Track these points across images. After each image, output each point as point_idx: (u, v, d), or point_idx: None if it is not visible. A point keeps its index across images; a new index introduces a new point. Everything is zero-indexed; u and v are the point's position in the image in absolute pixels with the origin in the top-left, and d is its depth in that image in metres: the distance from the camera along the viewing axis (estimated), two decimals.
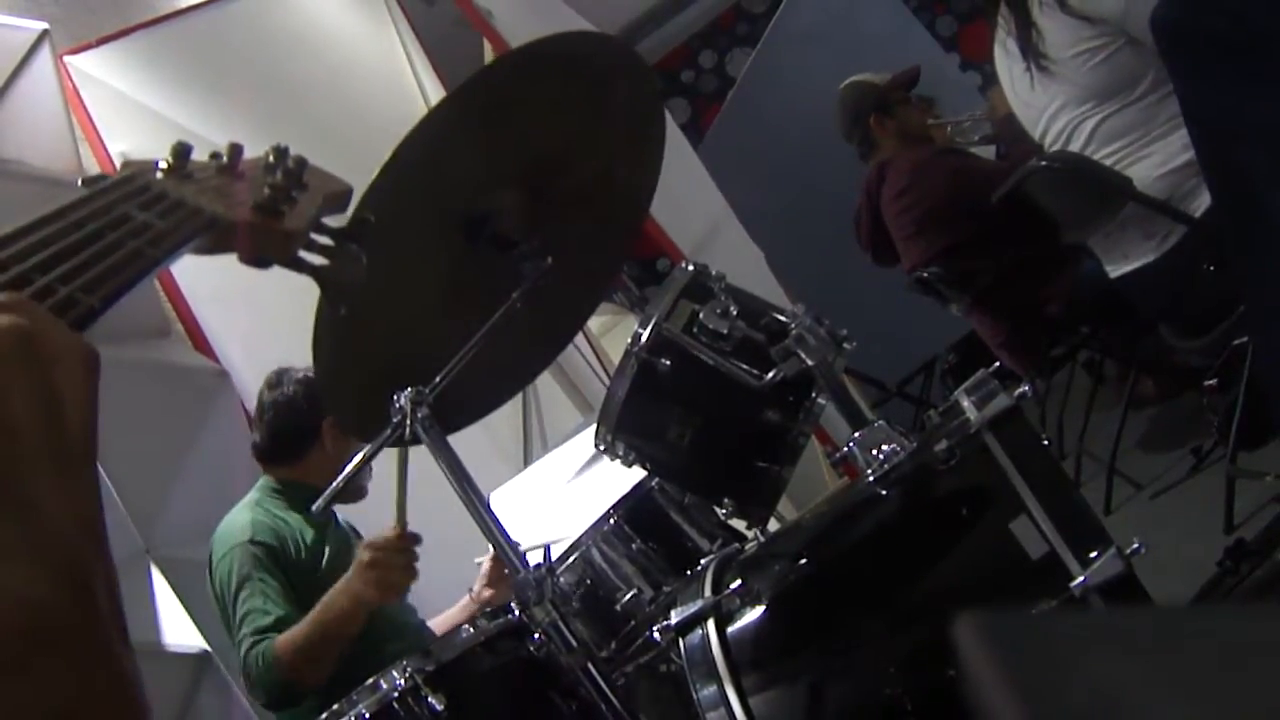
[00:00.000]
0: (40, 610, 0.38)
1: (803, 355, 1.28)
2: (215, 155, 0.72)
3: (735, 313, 1.34)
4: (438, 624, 2.20)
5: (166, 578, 2.42)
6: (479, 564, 2.11)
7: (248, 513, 2.12)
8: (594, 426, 1.44)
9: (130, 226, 0.55)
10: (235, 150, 0.72)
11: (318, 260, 0.75)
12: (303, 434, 2.21)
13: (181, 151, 0.65)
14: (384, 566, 1.74)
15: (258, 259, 0.70)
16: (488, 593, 2.08)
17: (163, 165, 0.64)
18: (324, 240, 0.76)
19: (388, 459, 1.42)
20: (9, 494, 0.39)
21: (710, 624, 1.14)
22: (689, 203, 3.68)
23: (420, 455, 1.37)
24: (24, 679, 0.37)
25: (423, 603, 2.42)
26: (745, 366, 1.31)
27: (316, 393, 2.17)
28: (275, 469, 2.24)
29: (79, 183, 0.57)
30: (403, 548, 1.72)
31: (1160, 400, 3.38)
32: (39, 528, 0.39)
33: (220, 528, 2.11)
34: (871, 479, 1.15)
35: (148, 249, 0.55)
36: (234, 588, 2.00)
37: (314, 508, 1.54)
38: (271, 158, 0.76)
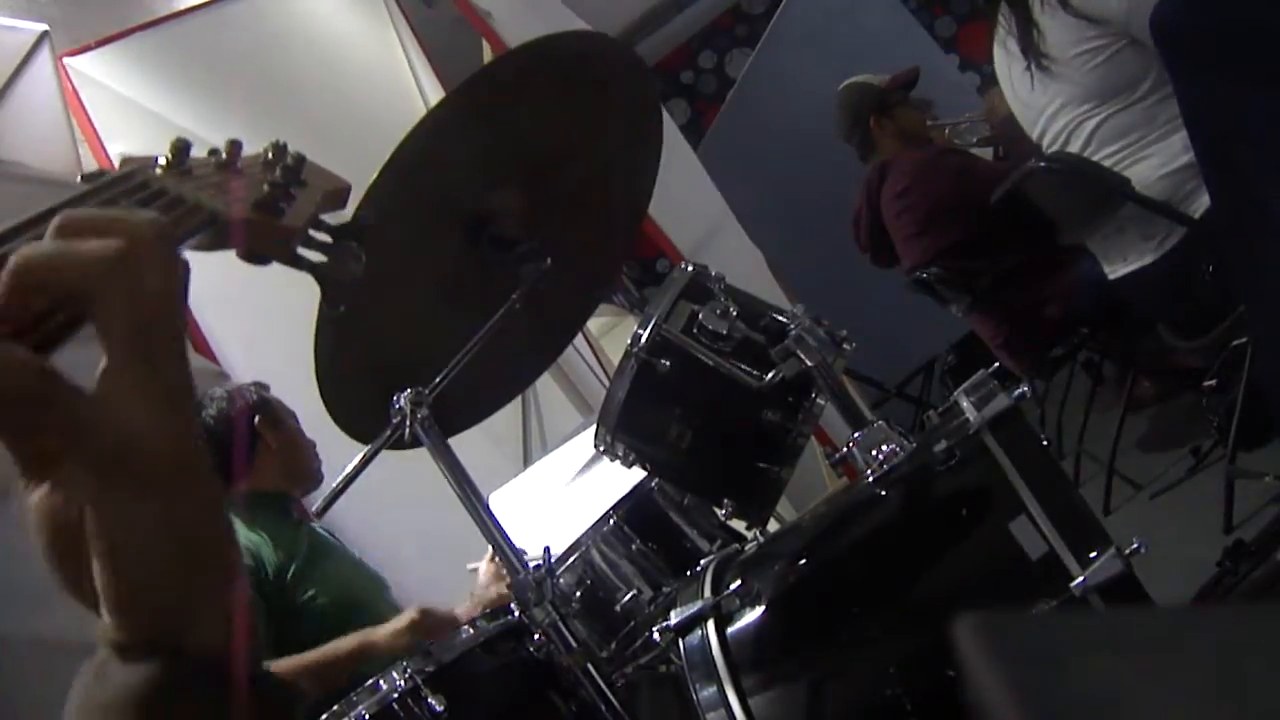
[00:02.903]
0: (160, 442, 0.48)
1: (802, 356, 1.28)
2: (214, 152, 0.72)
3: (735, 313, 1.34)
4: None
5: None
6: (472, 570, 2.12)
7: None
8: (594, 427, 1.44)
9: None
10: (234, 147, 0.72)
11: (316, 257, 0.75)
12: (243, 442, 2.23)
13: (181, 148, 0.65)
14: (428, 628, 1.83)
15: (256, 256, 0.70)
16: (492, 591, 2.08)
17: (162, 161, 0.64)
18: (323, 237, 0.75)
19: (387, 460, 1.42)
20: (144, 342, 0.48)
21: (710, 624, 1.14)
22: (688, 203, 3.68)
23: (420, 456, 1.37)
24: (151, 499, 0.48)
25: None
26: (745, 367, 1.31)
27: (243, 401, 2.22)
28: (230, 486, 2.25)
29: (79, 179, 0.57)
30: (451, 623, 1.83)
31: (1159, 401, 3.38)
32: (161, 377, 0.49)
33: None
34: (871, 479, 1.15)
35: None
36: None
37: (315, 508, 1.54)
38: (270, 154, 0.75)
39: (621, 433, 1.41)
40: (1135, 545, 1.02)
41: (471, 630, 1.45)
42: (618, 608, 1.51)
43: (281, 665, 1.91)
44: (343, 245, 0.76)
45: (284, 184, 0.72)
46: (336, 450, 2.45)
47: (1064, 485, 1.10)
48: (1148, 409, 3.42)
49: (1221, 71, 1.43)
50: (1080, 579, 1.00)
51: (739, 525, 1.57)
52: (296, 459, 2.28)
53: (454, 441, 1.37)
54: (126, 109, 3.08)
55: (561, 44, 1.41)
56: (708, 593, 1.18)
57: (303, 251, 0.73)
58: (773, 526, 1.46)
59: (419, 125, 1.30)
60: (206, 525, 0.51)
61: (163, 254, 0.50)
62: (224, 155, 0.71)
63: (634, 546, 1.59)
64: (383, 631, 1.87)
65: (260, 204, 0.69)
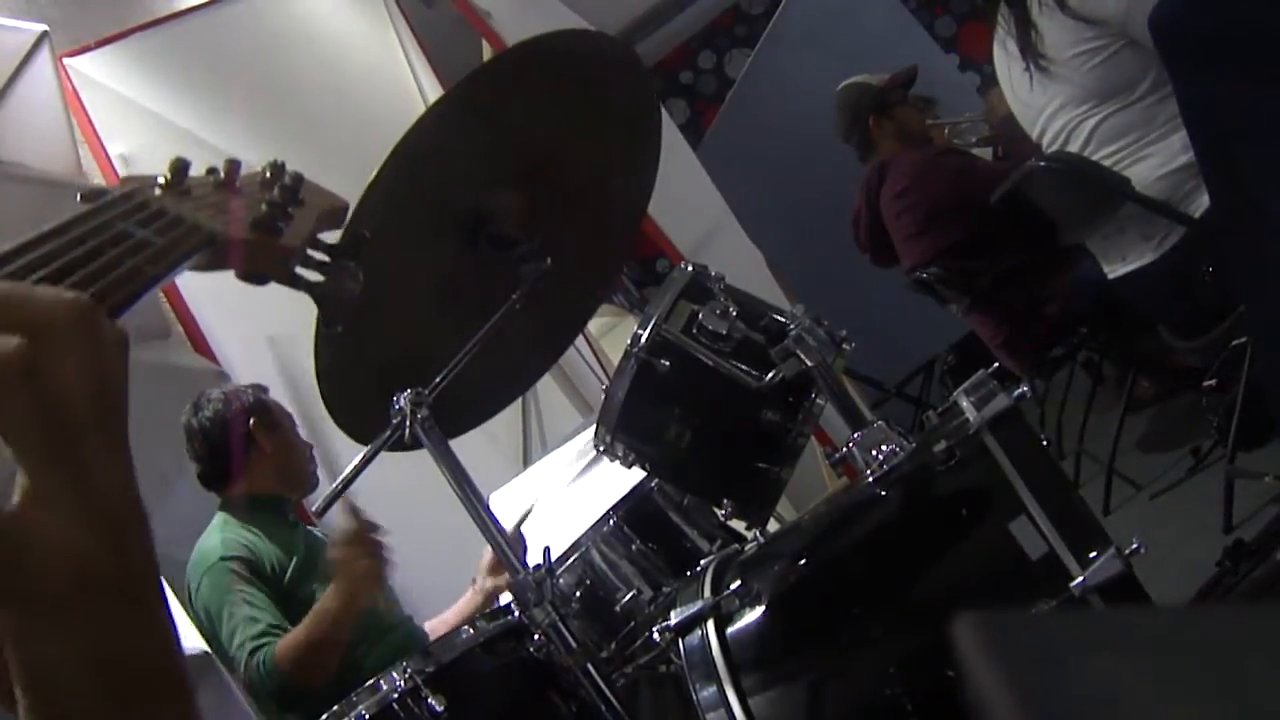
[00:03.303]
0: (87, 560, 0.42)
1: (802, 356, 1.28)
2: (212, 171, 0.72)
3: (734, 313, 1.34)
4: (443, 621, 2.21)
5: (165, 577, 2.41)
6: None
7: (216, 534, 2.15)
8: (594, 427, 1.44)
9: (129, 244, 0.55)
10: (233, 166, 0.72)
11: (314, 277, 0.75)
12: (239, 445, 2.23)
13: (180, 167, 0.65)
14: (348, 560, 1.86)
15: (254, 275, 0.70)
16: (490, 582, 2.08)
17: (161, 181, 0.64)
18: (320, 256, 0.76)
19: (385, 461, 1.42)
20: (65, 454, 0.42)
21: (710, 624, 1.14)
22: (688, 203, 3.68)
23: (420, 456, 1.37)
24: (72, 620, 0.42)
25: (423, 603, 2.42)
26: (744, 367, 1.31)
27: (239, 403, 2.22)
28: (226, 489, 2.26)
29: (78, 198, 0.57)
30: (360, 538, 1.84)
31: (1159, 401, 3.38)
32: (89, 487, 0.43)
33: (193, 556, 2.14)
34: (871, 479, 1.15)
35: (146, 266, 0.55)
36: (218, 605, 2.03)
37: (315, 509, 1.55)
38: (269, 174, 0.76)
39: (621, 433, 1.41)
40: (1135, 545, 1.02)
41: (471, 630, 1.45)
42: (618, 608, 1.51)
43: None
44: (340, 264, 0.76)
45: (282, 203, 0.72)
46: (336, 450, 2.46)
47: (1064, 485, 1.10)
48: (1147, 409, 3.42)
49: (1221, 71, 1.42)
50: (1080, 579, 1.00)
51: (739, 525, 1.57)
52: (291, 463, 2.28)
53: (454, 441, 1.36)
54: (126, 109, 3.08)
55: (560, 42, 1.41)
56: (708, 593, 1.18)
57: (301, 271, 0.74)
58: (773, 526, 1.46)
59: (417, 124, 1.30)
60: (146, 654, 0.45)
61: (82, 342, 0.43)
62: (222, 174, 0.71)
63: (634, 546, 1.59)
64: (324, 596, 1.92)
65: (258, 223, 0.69)
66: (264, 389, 2.34)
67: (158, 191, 0.63)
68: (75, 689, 0.42)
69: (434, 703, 1.28)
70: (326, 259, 0.75)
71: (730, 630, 1.14)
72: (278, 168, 0.76)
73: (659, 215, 3.39)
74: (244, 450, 2.23)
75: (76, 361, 0.43)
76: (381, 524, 1.89)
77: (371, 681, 1.35)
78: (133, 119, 3.07)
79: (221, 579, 2.03)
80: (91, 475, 0.43)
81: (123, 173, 2.74)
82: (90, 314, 0.45)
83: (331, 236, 0.78)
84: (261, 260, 0.69)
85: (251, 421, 2.24)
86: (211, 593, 2.04)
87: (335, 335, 1.29)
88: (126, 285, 0.52)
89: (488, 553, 2.08)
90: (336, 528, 2.08)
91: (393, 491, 2.42)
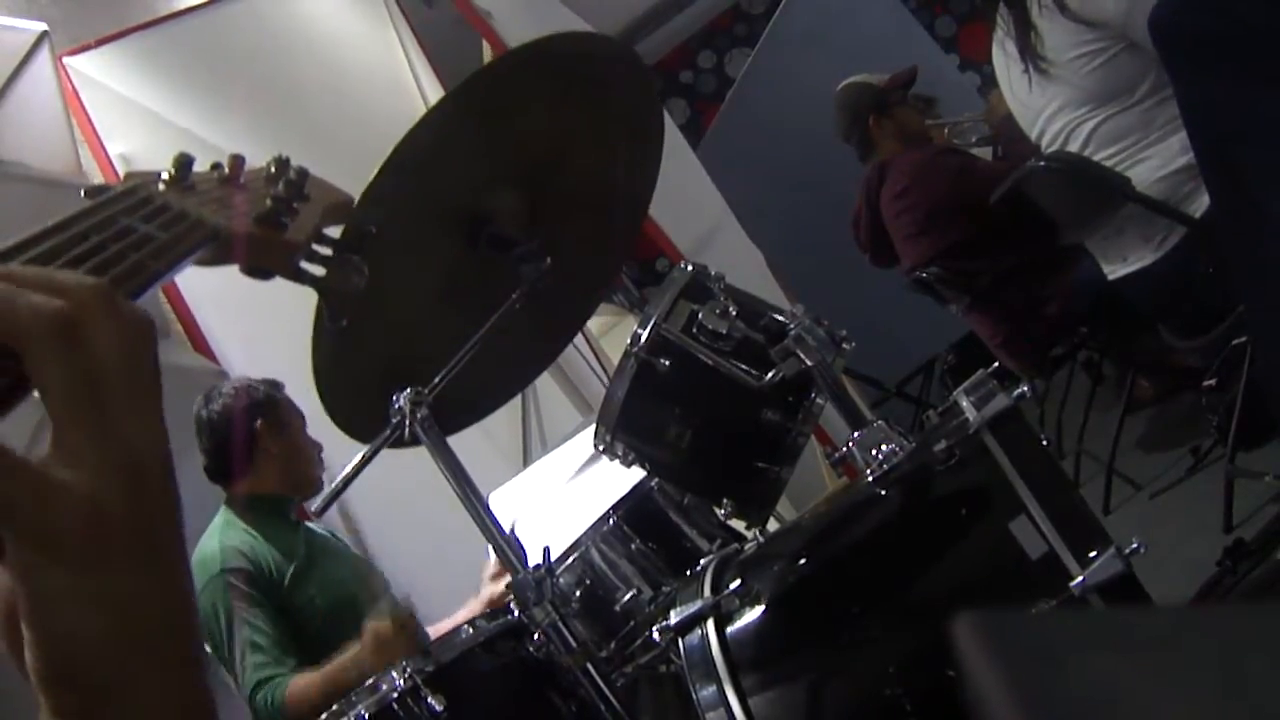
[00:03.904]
0: (106, 512, 0.43)
1: (802, 356, 1.28)
2: (217, 166, 0.72)
3: (734, 313, 1.34)
4: (444, 628, 2.21)
5: None
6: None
7: (215, 540, 2.15)
8: (593, 427, 1.44)
9: (133, 239, 0.55)
10: (237, 161, 0.72)
11: (319, 271, 0.75)
12: (244, 443, 2.22)
13: (184, 163, 0.65)
14: (388, 644, 1.83)
15: (259, 270, 0.70)
16: (491, 589, 2.08)
17: (165, 177, 0.64)
18: (325, 251, 0.76)
19: (385, 461, 1.42)
20: (94, 413, 0.44)
21: (710, 624, 1.14)
22: (688, 203, 3.68)
23: (420, 456, 1.37)
24: (86, 567, 0.43)
25: (423, 604, 2.42)
26: (744, 367, 1.31)
27: (249, 400, 2.21)
28: (231, 485, 2.26)
29: (82, 193, 0.57)
30: (404, 631, 1.83)
31: (1159, 400, 3.38)
32: (112, 440, 0.44)
33: (194, 556, 2.14)
34: (871, 479, 1.15)
35: (150, 261, 0.54)
36: (222, 622, 2.03)
37: (314, 508, 1.55)
38: (273, 169, 0.76)
39: (621, 432, 1.41)
40: (1135, 545, 1.02)
41: (471, 630, 1.45)
42: (617, 607, 1.51)
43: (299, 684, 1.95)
44: (345, 258, 0.76)
45: (286, 198, 0.72)
46: (337, 450, 2.46)
47: (1064, 485, 1.10)
48: (1147, 409, 3.42)
49: (1221, 72, 1.42)
50: (1080, 579, 1.00)
51: (739, 525, 1.57)
52: (296, 466, 2.27)
53: (454, 441, 1.36)
54: (126, 109, 3.08)
55: (561, 44, 1.41)
56: (707, 592, 1.18)
57: (305, 265, 0.74)
58: (773, 526, 1.46)
59: (418, 125, 1.30)
60: (158, 605, 0.46)
61: (109, 317, 0.46)
62: (226, 170, 0.71)
63: (634, 546, 1.59)
64: (350, 656, 1.90)
65: (262, 218, 0.69)
66: (279, 385, 2.31)
67: (161, 187, 0.63)
68: (83, 631, 0.44)
69: (434, 702, 1.28)
70: (331, 253, 0.76)
71: (730, 630, 1.14)
72: (282, 163, 0.76)
73: (659, 215, 3.39)
74: (248, 450, 2.22)
75: (105, 329, 0.45)
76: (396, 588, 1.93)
77: (371, 681, 1.35)
78: (133, 118, 3.07)
79: (222, 595, 2.04)
80: (118, 433, 0.45)
81: (122, 172, 2.74)
82: (113, 293, 0.47)
83: (335, 231, 0.78)
84: (266, 255, 0.69)
85: (258, 422, 2.23)
86: (212, 607, 2.04)
87: (339, 329, 1.29)
88: (131, 280, 0.52)
89: (492, 560, 2.08)
90: (379, 590, 2.12)
91: (393, 491, 2.42)
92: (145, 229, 0.56)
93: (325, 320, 1.29)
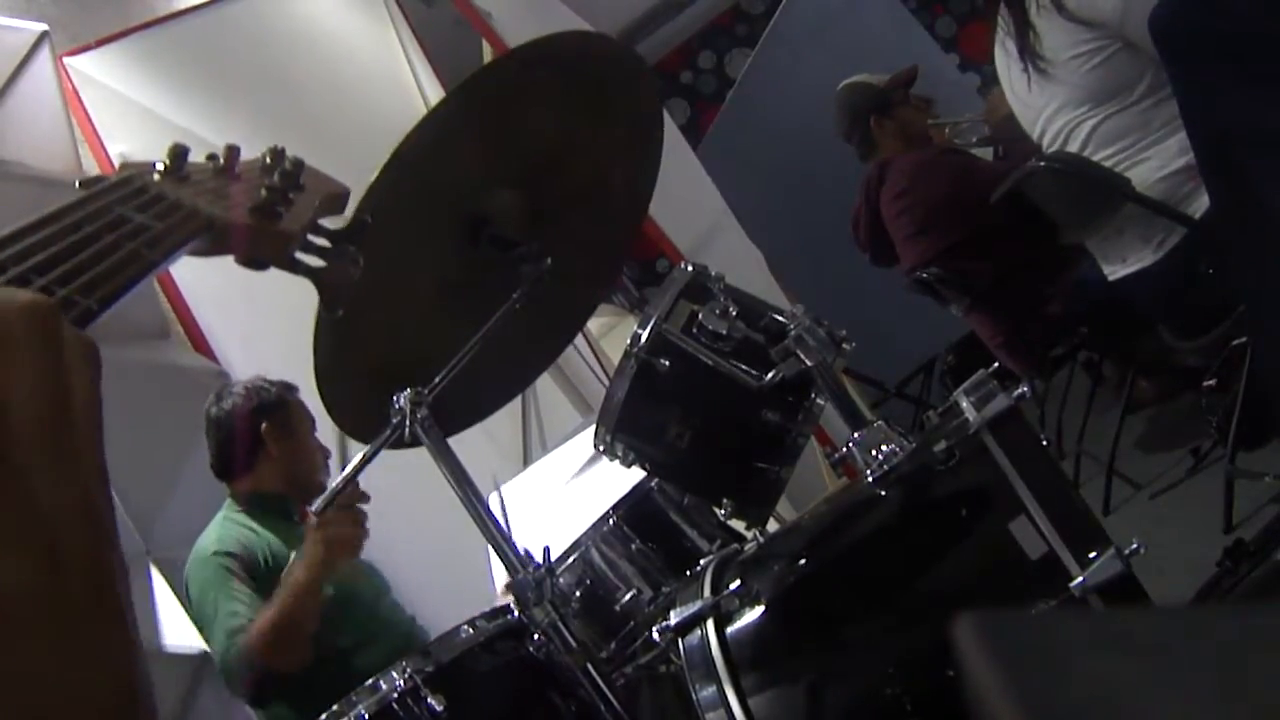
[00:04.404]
0: (18, 597, 0.36)
1: (802, 356, 1.28)
2: (212, 157, 0.72)
3: (734, 313, 1.34)
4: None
5: (166, 578, 2.42)
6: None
7: (215, 529, 2.17)
8: (593, 427, 1.44)
9: (128, 228, 0.55)
10: (232, 152, 0.72)
11: (315, 262, 0.75)
12: (247, 444, 2.23)
13: (178, 153, 0.65)
14: (330, 522, 1.81)
15: (254, 261, 0.70)
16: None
17: (160, 167, 0.64)
18: (321, 242, 0.75)
19: (384, 461, 1.42)
20: (15, 475, 0.37)
21: (710, 624, 1.14)
22: (688, 203, 3.68)
23: (420, 456, 1.37)
24: (3, 663, 0.36)
25: (423, 604, 2.42)
26: (744, 367, 1.31)
27: (256, 401, 2.21)
28: (233, 482, 2.27)
29: (76, 184, 0.56)
30: (346, 503, 1.79)
31: (1158, 401, 3.38)
32: (27, 511, 0.37)
33: (191, 553, 2.15)
34: (871, 479, 1.15)
35: (145, 251, 0.54)
36: (205, 598, 2.04)
37: (313, 507, 1.55)
38: (269, 159, 0.75)
39: (621, 432, 1.41)
40: (1135, 545, 1.02)
41: (471, 630, 1.45)
42: (617, 608, 1.51)
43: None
44: (341, 249, 0.76)
45: (282, 189, 0.72)
46: (337, 450, 2.46)
47: (1064, 485, 1.10)
48: (1147, 409, 3.42)
49: (1220, 72, 1.42)
50: (1080, 579, 1.00)
51: (739, 525, 1.57)
52: (299, 469, 2.27)
53: (454, 441, 1.36)
54: (126, 109, 3.08)
55: (562, 44, 1.41)
56: (707, 593, 1.18)
57: (301, 256, 0.73)
58: (773, 526, 1.46)
59: (419, 125, 1.30)
60: (84, 689, 0.38)
61: (32, 350, 0.39)
62: (222, 160, 0.71)
63: (634, 546, 1.59)
64: (295, 565, 1.90)
65: (258, 209, 0.69)
66: (293, 388, 2.30)
67: (156, 177, 0.63)
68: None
69: (433, 702, 1.28)
70: (327, 244, 0.75)
71: (730, 630, 1.14)
72: (278, 153, 0.76)
73: (659, 215, 3.39)
74: (252, 452, 2.23)
75: (22, 371, 0.38)
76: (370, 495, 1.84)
77: (371, 681, 1.35)
78: (133, 118, 3.07)
79: (212, 573, 2.04)
80: (31, 498, 0.37)
81: None
82: (46, 320, 0.40)
83: (332, 222, 0.78)
84: (261, 245, 0.69)
85: (264, 425, 2.23)
86: (200, 587, 2.05)
87: (336, 324, 1.29)
88: (124, 270, 0.51)
89: (501, 578, 2.07)
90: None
91: (393, 491, 2.41)
92: (140, 219, 0.56)
93: (321, 311, 1.28)
